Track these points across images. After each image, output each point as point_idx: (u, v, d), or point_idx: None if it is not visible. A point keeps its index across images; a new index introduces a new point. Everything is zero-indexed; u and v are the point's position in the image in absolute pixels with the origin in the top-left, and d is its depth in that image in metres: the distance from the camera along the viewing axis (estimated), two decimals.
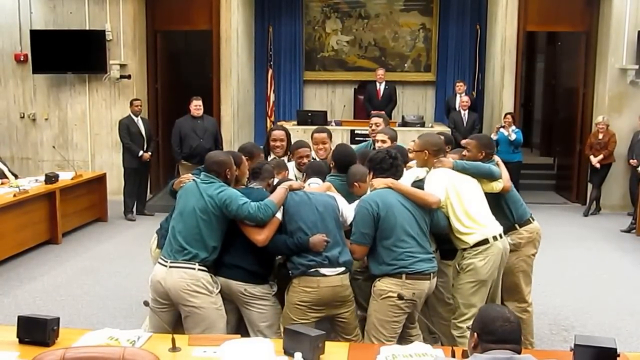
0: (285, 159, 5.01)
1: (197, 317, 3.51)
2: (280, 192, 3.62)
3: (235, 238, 3.64)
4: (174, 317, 3.65)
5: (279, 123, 9.34)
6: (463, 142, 4.35)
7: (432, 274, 3.58)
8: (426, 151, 4.00)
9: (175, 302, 3.57)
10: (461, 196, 3.87)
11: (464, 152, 4.25)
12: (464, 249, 3.84)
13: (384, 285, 3.53)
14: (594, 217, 9.05)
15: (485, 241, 3.79)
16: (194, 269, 3.52)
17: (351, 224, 3.72)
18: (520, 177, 9.52)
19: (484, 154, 4.20)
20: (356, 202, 3.77)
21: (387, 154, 3.74)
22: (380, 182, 3.68)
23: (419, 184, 3.93)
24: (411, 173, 4.08)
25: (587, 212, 9.15)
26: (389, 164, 3.69)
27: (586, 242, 7.77)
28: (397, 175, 3.74)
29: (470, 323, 3.56)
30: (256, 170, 3.90)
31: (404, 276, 3.48)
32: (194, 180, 3.75)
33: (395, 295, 3.41)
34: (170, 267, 3.55)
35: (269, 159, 5.09)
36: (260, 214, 3.49)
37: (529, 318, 4.35)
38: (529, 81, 13.22)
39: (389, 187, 3.65)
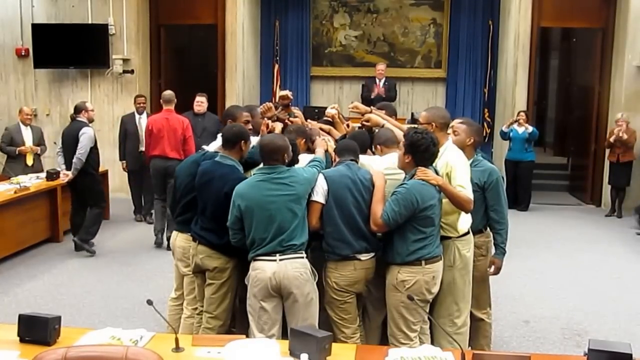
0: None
1: (307, 304, 3.52)
2: None
3: None
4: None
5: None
6: (452, 123, 4.00)
7: (442, 254, 3.70)
8: (433, 124, 3.76)
9: (285, 294, 3.52)
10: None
11: (450, 134, 3.93)
12: (444, 237, 3.70)
13: (405, 276, 3.53)
14: (610, 219, 8.86)
15: (468, 231, 3.80)
16: (303, 257, 3.55)
17: None
18: (533, 177, 9.44)
19: (472, 140, 3.97)
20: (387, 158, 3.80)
21: (431, 141, 3.49)
22: (434, 178, 3.48)
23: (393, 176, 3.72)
24: (388, 160, 3.85)
25: (610, 212, 8.95)
26: (431, 153, 3.51)
27: (601, 245, 7.58)
28: (431, 162, 3.59)
29: (465, 319, 3.77)
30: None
31: (423, 262, 3.53)
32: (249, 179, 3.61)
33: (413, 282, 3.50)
34: (280, 260, 3.49)
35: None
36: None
37: (490, 321, 4.30)
38: (543, 78, 13.06)
39: (439, 186, 3.50)
